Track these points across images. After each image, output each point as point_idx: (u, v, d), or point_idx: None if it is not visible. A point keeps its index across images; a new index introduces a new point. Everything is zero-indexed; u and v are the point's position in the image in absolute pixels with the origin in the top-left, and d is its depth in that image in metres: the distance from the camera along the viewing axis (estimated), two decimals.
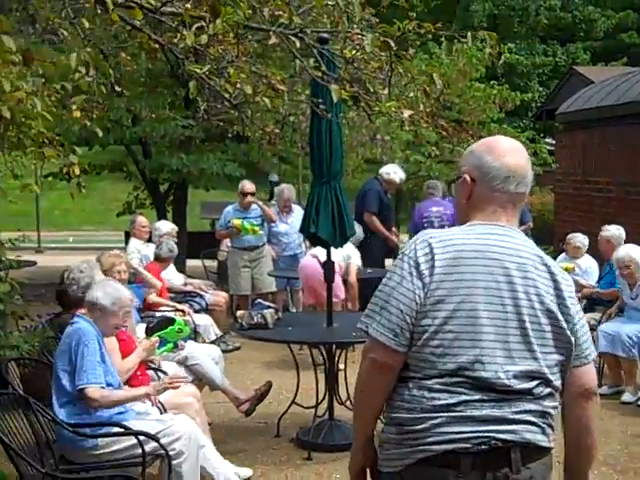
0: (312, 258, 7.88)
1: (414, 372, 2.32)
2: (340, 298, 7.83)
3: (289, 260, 9.51)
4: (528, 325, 2.30)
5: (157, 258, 7.73)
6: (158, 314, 6.89)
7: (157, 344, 5.21)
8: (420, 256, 2.31)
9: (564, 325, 2.35)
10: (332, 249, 5.88)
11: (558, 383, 2.37)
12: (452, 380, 2.27)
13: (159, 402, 4.65)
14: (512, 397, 2.29)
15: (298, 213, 9.12)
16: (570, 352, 2.37)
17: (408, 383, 2.33)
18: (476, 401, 2.26)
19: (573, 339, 2.37)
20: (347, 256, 8.04)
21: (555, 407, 2.38)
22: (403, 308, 2.29)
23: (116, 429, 4.16)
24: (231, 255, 9.50)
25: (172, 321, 5.74)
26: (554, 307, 2.34)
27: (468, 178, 2.40)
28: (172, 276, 8.24)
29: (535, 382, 2.31)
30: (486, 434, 2.25)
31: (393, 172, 9.42)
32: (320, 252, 7.55)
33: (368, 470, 2.54)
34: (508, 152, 2.39)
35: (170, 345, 5.63)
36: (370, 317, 2.37)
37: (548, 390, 2.34)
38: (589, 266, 8.22)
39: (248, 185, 9.29)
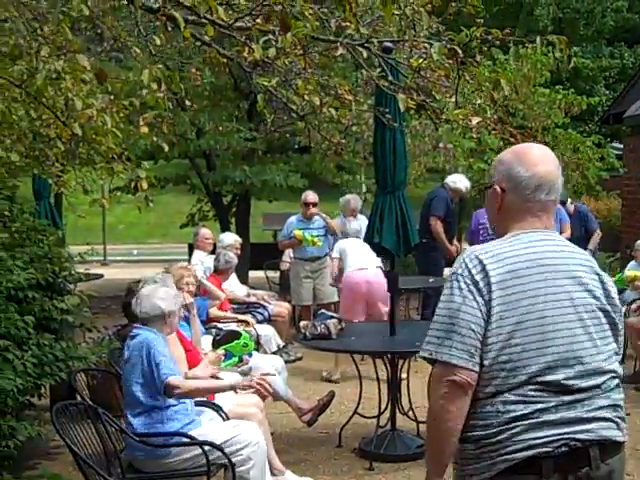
0: (362, 271, 7.61)
1: (484, 390, 2.32)
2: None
3: None
4: (589, 323, 2.36)
5: (215, 270, 7.76)
6: (222, 325, 6.93)
7: (223, 357, 5.25)
8: (475, 274, 2.32)
9: (614, 316, 2.43)
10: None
11: (620, 371, 2.43)
12: (525, 391, 2.29)
13: (223, 412, 4.67)
14: (584, 396, 2.32)
15: (364, 223, 9.08)
16: (619, 341, 2.46)
17: (480, 401, 2.33)
18: (551, 407, 2.29)
19: (622, 330, 2.47)
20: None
21: (622, 398, 2.42)
22: (474, 327, 2.29)
23: (184, 439, 4.21)
24: (293, 266, 9.53)
25: (238, 335, 5.77)
26: (605, 302, 2.41)
27: (498, 188, 2.42)
28: (235, 287, 8.30)
29: (603, 377, 2.36)
30: (565, 436, 2.27)
31: (459, 181, 9.40)
32: (370, 264, 7.55)
33: None
34: (538, 161, 2.39)
35: (235, 359, 5.66)
36: (436, 343, 2.34)
37: (615, 382, 2.39)
38: None
39: (311, 196, 9.30)
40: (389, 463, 5.53)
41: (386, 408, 5.83)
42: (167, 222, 21.65)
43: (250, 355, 5.90)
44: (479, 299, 2.30)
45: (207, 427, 4.42)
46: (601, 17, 27.75)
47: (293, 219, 9.43)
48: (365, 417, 6.00)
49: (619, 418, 2.38)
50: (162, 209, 22.03)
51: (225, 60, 3.25)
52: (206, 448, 4.13)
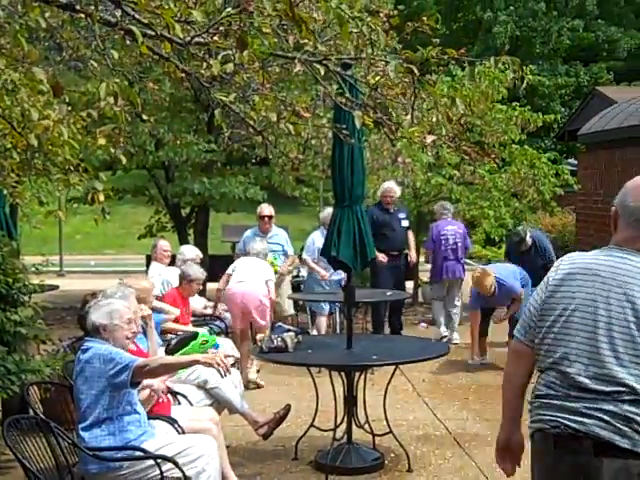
0: (239, 284, 8.11)
1: (537, 365, 2.88)
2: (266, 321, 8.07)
3: (337, 284, 9.41)
4: (617, 336, 2.65)
5: (185, 279, 7.50)
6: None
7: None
8: (552, 271, 2.88)
9: None
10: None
11: None
12: (547, 376, 2.79)
13: (178, 425, 4.64)
14: (589, 396, 2.65)
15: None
16: None
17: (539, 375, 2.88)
18: (560, 395, 2.71)
19: None
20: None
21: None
22: (532, 310, 2.88)
23: (137, 453, 4.16)
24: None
25: (194, 335, 5.63)
26: None
27: (613, 211, 2.86)
28: (192, 299, 8.25)
29: (617, 387, 2.62)
30: (559, 420, 2.70)
31: (386, 185, 9.98)
32: (245, 277, 8.06)
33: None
34: None
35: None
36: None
37: (632, 397, 2.61)
38: None
39: (267, 209, 9.32)
40: (345, 476, 5.54)
41: (342, 421, 5.86)
42: (125, 233, 21.51)
43: (216, 347, 5.72)
44: (544, 289, 2.85)
45: (161, 439, 4.38)
46: (557, 36, 28.29)
47: (249, 233, 9.43)
48: (321, 430, 6.01)
49: (628, 428, 2.59)
50: (120, 220, 21.87)
51: (184, 74, 3.26)
52: (159, 461, 4.10)
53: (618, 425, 2.59)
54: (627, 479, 2.61)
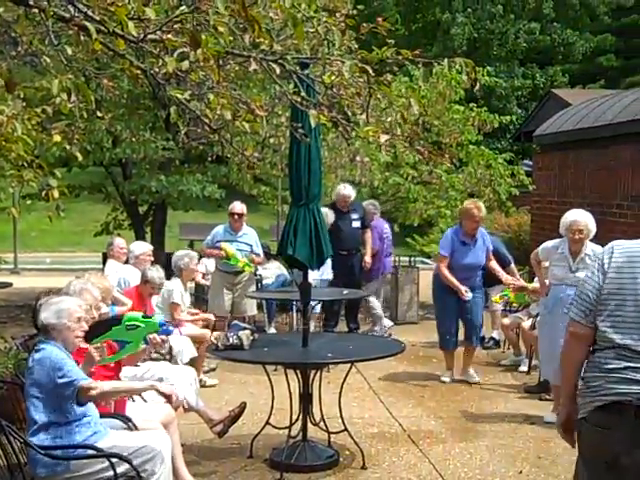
0: None
1: (597, 344, 3.15)
2: None
3: (325, 284, 9.51)
4: None
5: (142, 278, 7.31)
6: None
7: (96, 353, 4.52)
8: (605, 257, 3.17)
9: None
10: None
11: None
12: (620, 351, 3.05)
13: (132, 424, 4.61)
14: None
15: None
16: None
17: (594, 352, 3.17)
18: (637, 367, 3.01)
19: None
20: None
21: None
22: (590, 295, 3.16)
23: (89, 451, 4.12)
24: (214, 276, 9.50)
25: (115, 320, 5.03)
26: None
27: None
28: None
29: None
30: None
31: (343, 192, 10.05)
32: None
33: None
34: None
35: (133, 345, 4.90)
36: (571, 304, 3.28)
37: None
38: None
39: (238, 206, 9.31)
40: (300, 473, 5.57)
41: (297, 419, 5.88)
42: (81, 230, 21.24)
43: (167, 332, 5.15)
44: (600, 275, 3.15)
45: (114, 437, 4.35)
46: (514, 38, 28.64)
47: (220, 229, 9.39)
48: (277, 428, 6.03)
49: None
50: (77, 217, 21.61)
51: (139, 72, 3.25)
52: (113, 460, 4.07)
53: None
54: None
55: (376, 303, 10.50)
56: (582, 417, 3.17)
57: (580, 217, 6.80)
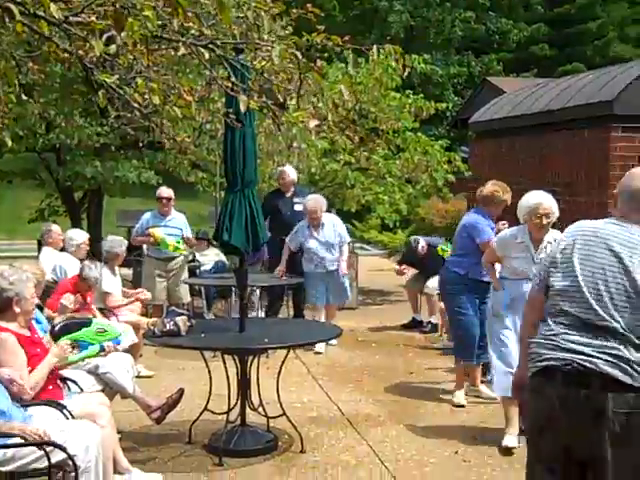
0: None
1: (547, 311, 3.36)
2: None
3: (325, 277, 9.32)
4: (612, 287, 3.16)
5: (79, 275, 7.06)
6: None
7: (69, 348, 4.97)
8: (564, 233, 3.43)
9: None
10: None
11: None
12: (555, 319, 3.26)
13: (67, 410, 4.56)
14: (594, 339, 3.13)
15: (330, 225, 9.31)
16: None
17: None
18: (568, 335, 3.18)
19: None
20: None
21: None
22: (545, 264, 3.43)
23: (16, 439, 4.01)
24: (147, 264, 9.43)
25: (87, 323, 5.45)
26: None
27: (616, 192, 3.45)
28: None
29: (612, 329, 3.10)
30: (568, 358, 3.14)
31: (280, 168, 10.11)
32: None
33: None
34: (636, 178, 3.37)
35: (94, 348, 5.27)
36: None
37: (630, 341, 3.09)
38: None
39: (165, 192, 9.25)
40: (238, 458, 5.59)
41: (236, 404, 5.90)
42: (15, 217, 20.81)
43: (116, 342, 5.56)
44: (555, 246, 3.41)
45: (44, 425, 4.26)
46: (451, 27, 28.97)
47: (148, 215, 9.34)
48: (215, 413, 6.04)
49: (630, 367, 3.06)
50: (9, 204, 21.17)
51: (67, 55, 3.21)
52: (48, 449, 4.01)
53: (621, 365, 3.06)
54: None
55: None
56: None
57: (545, 199, 5.82)
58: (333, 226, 9.32)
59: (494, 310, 6.03)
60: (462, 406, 6.85)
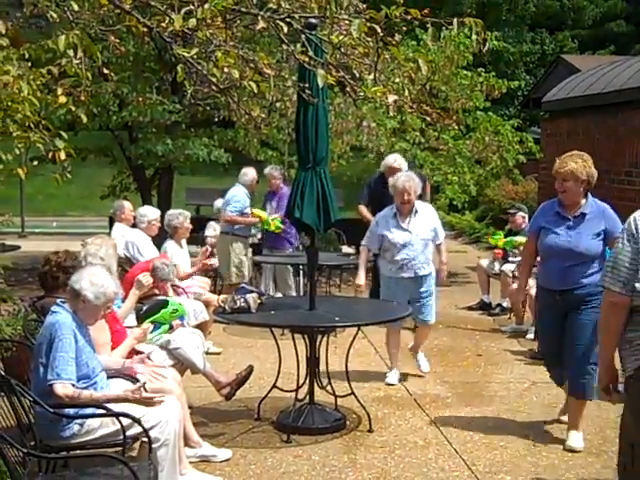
0: None
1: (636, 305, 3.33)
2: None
3: (412, 285, 6.86)
4: None
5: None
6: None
7: (149, 330, 5.19)
8: (632, 227, 3.33)
9: None
10: None
11: None
12: None
13: (142, 385, 4.63)
14: None
15: (424, 215, 6.93)
16: None
17: (636, 313, 3.35)
18: None
19: None
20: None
21: None
22: (627, 264, 3.31)
23: (99, 410, 4.11)
24: (236, 242, 9.41)
25: (165, 303, 5.67)
26: None
27: None
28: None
29: None
30: None
31: (390, 158, 8.92)
32: None
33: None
34: None
35: (165, 327, 5.59)
36: (605, 275, 3.42)
37: None
38: None
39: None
40: (306, 436, 5.61)
41: (304, 382, 5.91)
42: (88, 194, 21.22)
43: (182, 319, 5.85)
44: (633, 245, 3.31)
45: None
46: (524, 3, 28.34)
47: (243, 194, 9.35)
48: (284, 391, 6.06)
49: None
50: (83, 181, 21.56)
51: (146, 29, 3.22)
52: (123, 420, 4.07)
53: None
54: None
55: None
56: (629, 375, 3.37)
57: None
58: (428, 217, 6.95)
59: None
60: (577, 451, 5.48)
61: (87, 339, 4.31)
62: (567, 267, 5.28)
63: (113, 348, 4.86)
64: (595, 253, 5.28)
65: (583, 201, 5.43)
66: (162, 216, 8.50)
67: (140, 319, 5.54)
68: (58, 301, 4.36)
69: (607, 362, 3.55)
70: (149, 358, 5.01)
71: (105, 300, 4.33)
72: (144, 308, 5.72)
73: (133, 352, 5.06)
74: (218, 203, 10.21)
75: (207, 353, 7.52)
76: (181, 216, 8.11)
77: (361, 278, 6.80)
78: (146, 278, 5.45)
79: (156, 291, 6.33)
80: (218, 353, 7.90)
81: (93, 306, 4.29)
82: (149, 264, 7.09)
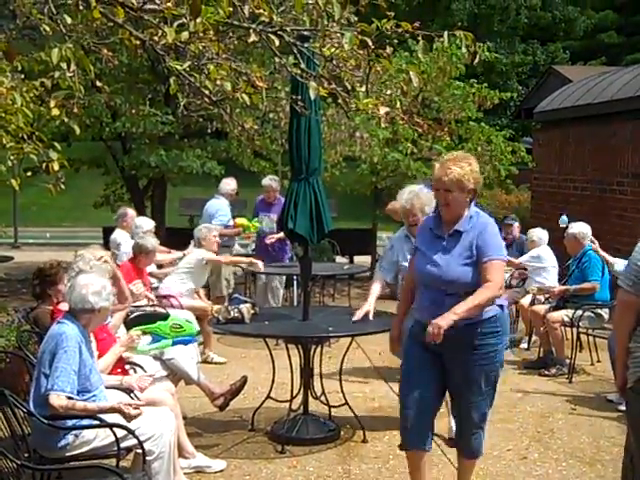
0: None
1: None
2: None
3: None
4: None
5: (142, 252, 7.19)
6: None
7: (138, 339, 5.09)
8: None
9: None
10: None
11: None
12: None
13: (134, 395, 4.63)
14: None
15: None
16: None
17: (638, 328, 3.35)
18: None
19: None
20: None
21: None
22: (638, 263, 3.33)
23: (95, 422, 4.11)
24: (225, 254, 9.46)
25: (165, 316, 5.58)
26: None
27: None
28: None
29: None
30: None
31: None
32: None
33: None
34: None
35: (167, 342, 5.44)
36: (621, 273, 3.55)
37: None
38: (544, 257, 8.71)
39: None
40: (300, 446, 5.61)
41: (298, 392, 5.91)
42: (81, 205, 21.21)
43: (191, 341, 5.69)
44: None
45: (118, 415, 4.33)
46: (515, 14, 28.48)
47: (224, 205, 9.41)
48: (278, 401, 6.06)
49: None
50: (77, 193, 21.55)
51: (138, 42, 3.24)
52: (117, 431, 4.06)
53: None
54: None
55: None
56: (629, 387, 3.34)
57: None
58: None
59: None
60: None
61: (90, 352, 4.32)
62: (437, 298, 4.10)
63: (100, 357, 4.82)
64: (469, 282, 4.02)
65: (465, 214, 4.17)
66: (157, 227, 8.51)
67: (127, 326, 5.41)
68: (66, 314, 4.34)
69: (623, 359, 3.48)
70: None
71: (113, 298, 4.42)
72: (135, 314, 5.66)
73: (122, 361, 5.03)
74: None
75: (211, 363, 7.71)
76: (204, 229, 8.11)
77: (370, 304, 5.70)
78: (137, 287, 5.44)
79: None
80: (222, 363, 7.92)
81: (105, 309, 4.36)
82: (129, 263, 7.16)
